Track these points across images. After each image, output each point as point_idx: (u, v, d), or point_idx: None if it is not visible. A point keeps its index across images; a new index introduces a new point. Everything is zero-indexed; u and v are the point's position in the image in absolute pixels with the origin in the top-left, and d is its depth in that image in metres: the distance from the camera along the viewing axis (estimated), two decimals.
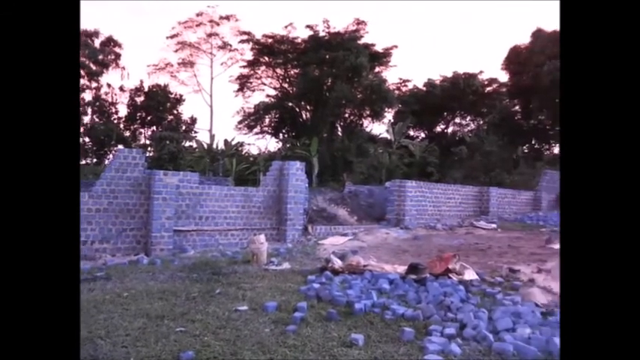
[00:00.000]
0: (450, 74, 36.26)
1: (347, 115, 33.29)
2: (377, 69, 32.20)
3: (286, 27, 31.05)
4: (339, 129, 33.51)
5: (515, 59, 33.30)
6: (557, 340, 3.79)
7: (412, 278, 6.03)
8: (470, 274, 6.28)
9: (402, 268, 6.58)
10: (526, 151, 34.31)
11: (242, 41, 31.91)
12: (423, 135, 38.34)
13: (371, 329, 4.39)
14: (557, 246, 9.61)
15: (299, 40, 31.20)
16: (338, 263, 6.81)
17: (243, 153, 31.43)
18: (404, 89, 36.75)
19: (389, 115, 33.84)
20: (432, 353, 3.67)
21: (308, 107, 32.55)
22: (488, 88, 36.92)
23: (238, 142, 31.22)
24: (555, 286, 6.00)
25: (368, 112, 32.25)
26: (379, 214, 14.44)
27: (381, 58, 31.96)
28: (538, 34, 32.69)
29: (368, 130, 34.48)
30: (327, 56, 29.11)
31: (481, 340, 3.97)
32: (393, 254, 9.09)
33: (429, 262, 6.57)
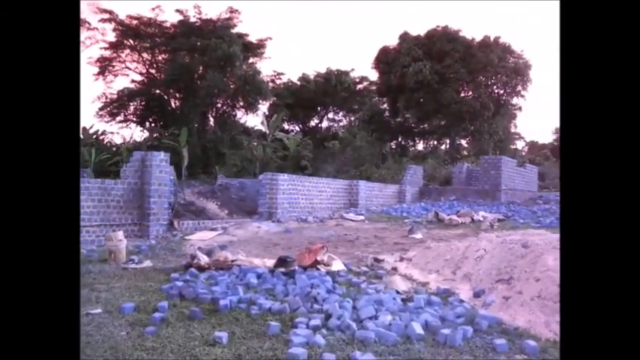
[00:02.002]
0: (323, 70, 37.31)
1: (219, 106, 32.53)
2: (250, 60, 31.90)
3: (153, 9, 29.34)
4: (211, 119, 32.63)
5: (384, 59, 35.34)
6: (415, 324, 4.04)
7: (281, 271, 6.02)
8: (337, 265, 6.46)
9: (271, 262, 6.55)
10: (393, 147, 36.70)
11: (102, 20, 29.40)
12: (297, 129, 39.01)
13: (236, 326, 4.27)
14: (418, 236, 10.37)
15: (168, 25, 29.68)
16: (204, 259, 6.55)
17: (104, 142, 29.09)
18: (278, 82, 36.99)
19: (263, 107, 33.81)
20: (296, 346, 3.66)
21: (177, 95, 31.17)
22: (360, 86, 38.79)
23: (98, 131, 28.83)
24: (415, 273, 6.44)
25: (241, 104, 31.85)
26: (251, 208, 14.31)
27: (255, 49, 31.74)
28: (405, 37, 35.05)
29: (242, 121, 34.11)
30: (199, 43, 28.15)
31: (345, 330, 4.06)
32: (264, 248, 9.04)
33: (298, 255, 6.63)
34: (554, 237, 6.10)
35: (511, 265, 5.40)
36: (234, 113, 33.33)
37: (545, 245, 5.47)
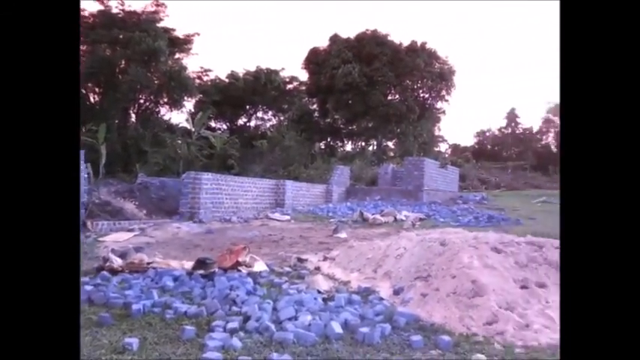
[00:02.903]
0: (253, 68, 36.91)
1: (142, 102, 31.24)
2: (177, 55, 30.96)
3: None
4: (133, 116, 31.26)
5: (314, 60, 35.63)
6: (334, 323, 4.04)
7: (200, 274, 5.83)
8: (260, 266, 6.36)
9: (190, 264, 6.33)
10: (322, 147, 37.05)
11: None
12: (224, 127, 38.31)
13: (149, 331, 4.05)
14: (343, 235, 10.49)
15: (87, 14, 28.08)
16: (117, 262, 6.21)
17: None
18: (205, 79, 36.17)
19: (189, 104, 32.90)
20: (211, 350, 3.54)
21: (97, 90, 29.57)
22: (289, 86, 38.80)
23: None
24: (337, 273, 6.48)
25: (166, 100, 30.80)
26: (172, 208, 13.82)
27: (182, 44, 30.86)
28: (335, 39, 35.55)
29: (166, 118, 32.96)
30: (121, 36, 26.91)
31: (263, 332, 3.98)
32: (183, 250, 8.74)
33: (219, 256, 6.45)
34: (470, 235, 6.38)
35: (429, 262, 5.57)
36: (157, 110, 32.17)
37: (461, 243, 5.69)
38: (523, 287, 5.17)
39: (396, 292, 5.34)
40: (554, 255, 5.85)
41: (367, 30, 35.18)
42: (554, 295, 5.16)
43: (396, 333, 4.13)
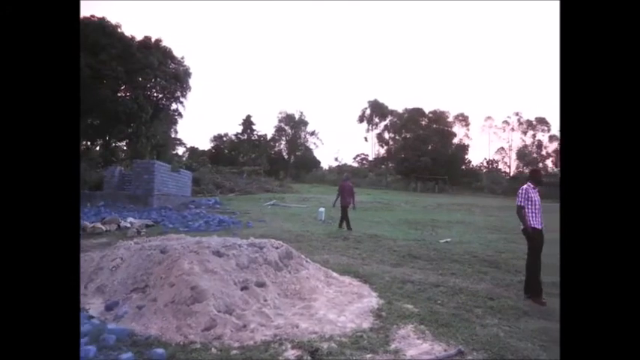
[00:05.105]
0: None
1: None
2: None
3: None
4: None
5: None
6: None
7: None
8: None
9: None
10: None
11: None
12: None
13: None
14: None
15: None
16: None
17: None
18: None
19: None
20: None
21: None
22: None
23: None
24: None
25: None
26: None
27: None
28: None
29: None
30: None
31: None
32: None
33: None
34: (193, 240, 6.36)
35: (148, 272, 5.32)
36: None
37: (182, 249, 5.61)
38: (244, 288, 5.40)
39: (109, 308, 4.92)
40: (274, 255, 6.31)
41: (93, 16, 32.25)
42: (272, 293, 5.55)
43: (104, 353, 3.78)
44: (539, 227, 6.41)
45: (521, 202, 6.43)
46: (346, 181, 14.74)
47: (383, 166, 66.03)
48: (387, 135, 65.08)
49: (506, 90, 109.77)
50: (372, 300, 5.81)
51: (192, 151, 56.82)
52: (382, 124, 65.13)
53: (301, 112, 64.57)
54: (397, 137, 64.01)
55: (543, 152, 69.19)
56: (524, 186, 6.58)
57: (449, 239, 12.45)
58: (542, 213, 6.54)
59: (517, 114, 71.11)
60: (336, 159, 70.34)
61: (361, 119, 65.53)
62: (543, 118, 69.81)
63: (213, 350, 4.09)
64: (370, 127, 66.21)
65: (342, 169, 62.61)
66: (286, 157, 64.42)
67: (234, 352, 4.10)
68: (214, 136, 63.64)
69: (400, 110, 64.27)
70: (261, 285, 5.61)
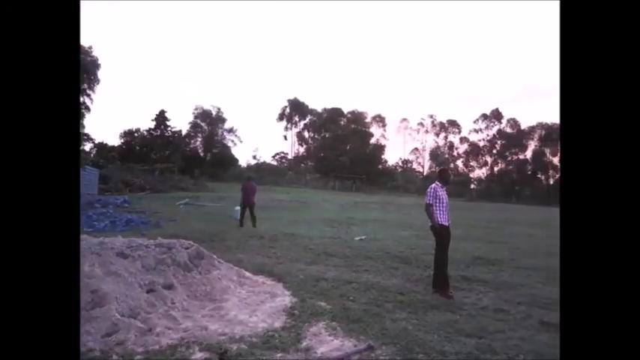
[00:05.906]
0: None
1: None
2: None
3: None
4: None
5: None
6: None
7: None
8: None
9: None
10: None
11: None
12: None
13: None
14: None
15: None
16: None
17: None
18: None
19: None
20: None
21: None
22: None
23: None
24: None
25: None
26: None
27: None
28: None
29: None
30: None
31: None
32: None
33: None
34: (96, 241, 6.02)
35: None
36: None
37: (82, 251, 5.29)
38: (150, 291, 5.19)
39: None
40: (183, 255, 6.12)
41: None
42: (180, 295, 5.38)
43: None
44: (447, 224, 6.73)
45: (429, 200, 6.72)
46: (249, 181, 14.89)
47: (302, 165, 66.58)
48: (306, 134, 65.72)
49: (421, 92, 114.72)
50: (286, 299, 5.82)
51: (101, 147, 53.80)
52: (302, 123, 65.67)
53: (218, 109, 62.97)
54: (316, 136, 64.84)
55: (454, 153, 73.22)
56: (433, 185, 6.88)
57: (363, 237, 12.77)
58: (450, 210, 6.88)
59: (431, 116, 74.80)
60: (255, 157, 69.70)
61: (281, 117, 65.70)
62: (455, 121, 73.94)
63: (115, 357, 3.90)
64: (290, 126, 66.54)
65: (260, 168, 62.17)
66: (202, 154, 62.79)
67: (138, 357, 3.94)
68: (125, 132, 60.53)
69: (319, 110, 65.13)
70: (169, 287, 5.42)
